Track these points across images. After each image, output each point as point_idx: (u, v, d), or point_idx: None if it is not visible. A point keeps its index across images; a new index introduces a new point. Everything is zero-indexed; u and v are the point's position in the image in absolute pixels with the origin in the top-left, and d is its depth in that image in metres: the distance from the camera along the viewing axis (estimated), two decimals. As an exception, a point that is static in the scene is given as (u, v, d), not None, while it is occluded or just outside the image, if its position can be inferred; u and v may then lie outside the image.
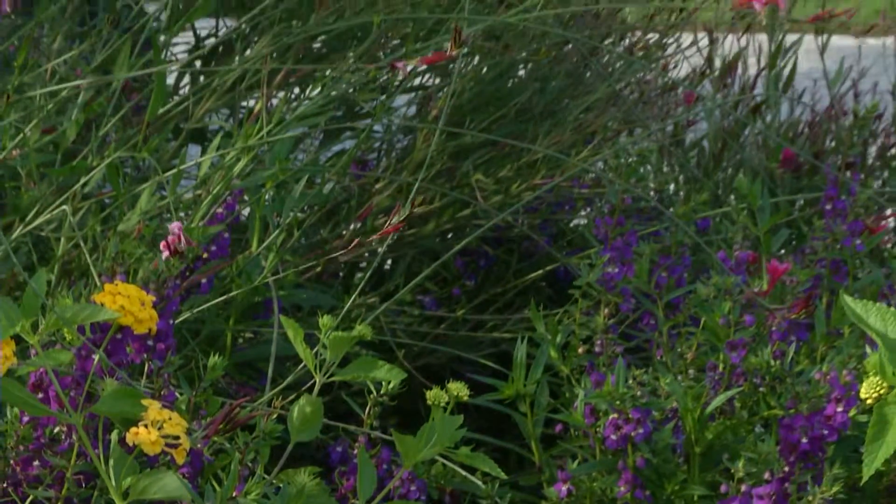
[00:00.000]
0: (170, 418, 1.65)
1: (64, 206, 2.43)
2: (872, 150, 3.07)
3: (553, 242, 2.87)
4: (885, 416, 1.64)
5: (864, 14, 6.17)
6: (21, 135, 2.52)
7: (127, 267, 2.14)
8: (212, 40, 2.89)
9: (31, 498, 1.82)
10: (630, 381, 2.24)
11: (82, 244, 2.32)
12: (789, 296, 2.47)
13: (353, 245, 2.51)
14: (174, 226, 2.21)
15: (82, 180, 2.48)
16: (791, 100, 3.12)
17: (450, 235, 2.83)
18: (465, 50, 2.72)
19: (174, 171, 2.49)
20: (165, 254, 2.18)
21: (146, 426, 1.63)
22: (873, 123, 3.06)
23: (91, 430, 1.75)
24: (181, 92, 2.82)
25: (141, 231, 2.41)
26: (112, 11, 2.68)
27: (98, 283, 2.07)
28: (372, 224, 2.65)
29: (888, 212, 2.82)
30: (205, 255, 2.42)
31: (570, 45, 2.89)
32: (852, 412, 2.24)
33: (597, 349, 2.43)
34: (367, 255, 2.71)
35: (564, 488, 2.33)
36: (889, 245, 2.84)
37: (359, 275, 2.86)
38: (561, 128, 2.77)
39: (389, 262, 2.91)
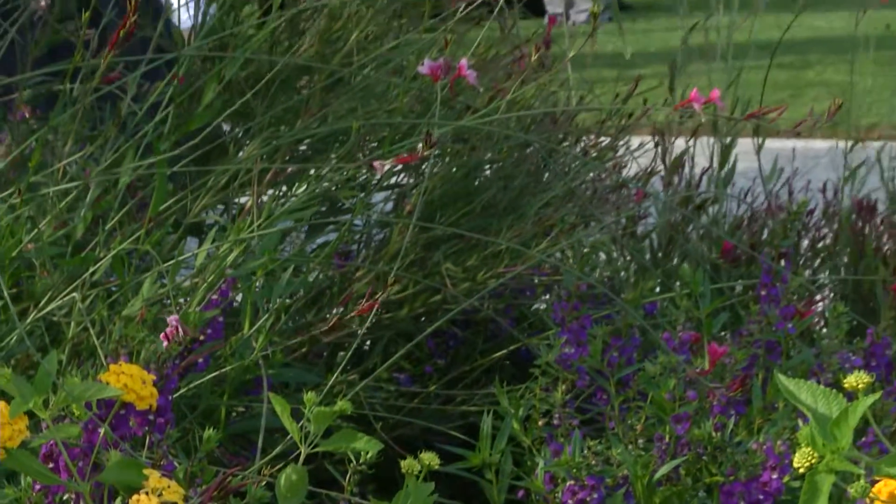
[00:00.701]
0: (168, 486, 1.67)
1: (74, 294, 2.43)
2: (805, 241, 3.08)
3: (516, 325, 2.87)
4: (816, 484, 1.65)
5: (794, 117, 6.16)
6: (36, 229, 2.52)
7: (130, 349, 2.14)
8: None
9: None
10: (585, 451, 2.26)
11: (90, 328, 2.32)
12: (728, 374, 2.48)
13: (335, 327, 2.53)
14: (172, 318, 2.22)
15: (90, 270, 2.49)
16: (731, 196, 3.13)
17: (422, 318, 2.83)
18: (436, 151, 2.73)
19: (173, 261, 2.49)
20: (165, 343, 2.19)
21: (147, 494, 1.64)
22: (805, 218, 3.07)
23: (97, 497, 1.76)
24: (182, 188, 2.82)
25: (143, 316, 2.42)
26: (118, 117, 2.68)
27: (104, 364, 2.07)
28: (352, 309, 2.65)
29: (817, 297, 2.84)
30: (201, 338, 2.42)
31: (530, 147, 2.91)
32: (786, 479, 2.26)
33: (555, 422, 2.45)
34: (347, 336, 2.71)
35: (527, 547, 2.34)
36: (818, 327, 2.85)
37: (340, 354, 2.86)
38: (523, 222, 2.77)
39: (368, 343, 2.91)
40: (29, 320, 2.43)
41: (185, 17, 3.12)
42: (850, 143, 3.18)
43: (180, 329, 2.23)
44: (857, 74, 7.05)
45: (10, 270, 2.53)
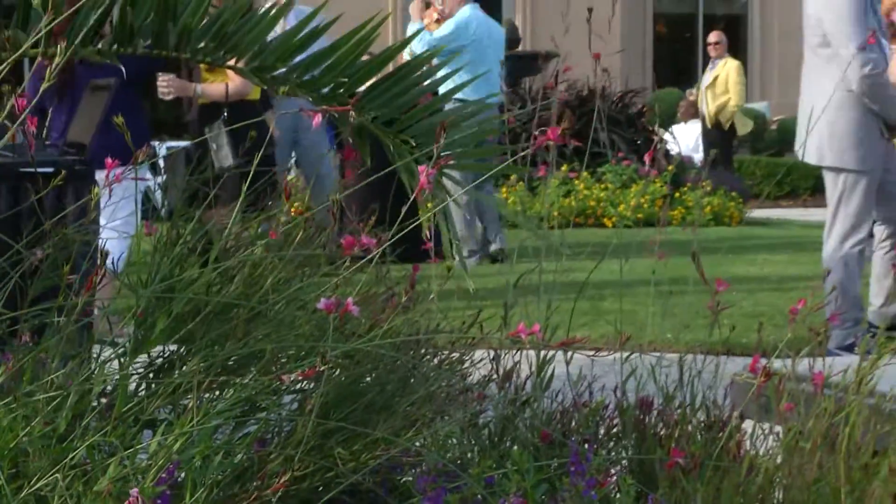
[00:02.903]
0: None
1: (57, 475, 2.41)
2: (602, 429, 3.09)
3: (389, 494, 2.84)
4: None
5: (593, 336, 6.27)
6: (28, 426, 2.51)
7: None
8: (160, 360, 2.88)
9: None
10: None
11: (68, 500, 2.30)
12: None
13: (255, 499, 2.51)
14: (133, 491, 2.20)
15: (70, 456, 2.47)
16: (547, 396, 3.14)
17: (320, 489, 2.80)
18: (330, 365, 2.73)
19: (132, 449, 2.48)
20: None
21: None
22: (602, 411, 3.08)
23: None
24: (140, 393, 2.80)
25: (110, 490, 2.40)
26: (91, 342, 2.69)
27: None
28: (268, 483, 2.63)
29: (612, 472, 2.84)
30: (153, 505, 2.40)
31: (399, 361, 2.91)
32: None
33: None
34: None
35: None
36: (613, 494, 2.84)
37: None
38: (394, 417, 2.77)
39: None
40: (22, 495, 2.41)
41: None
42: (632, 355, 3.20)
43: (139, 499, 2.22)
44: (639, 304, 7.14)
45: (10, 457, 2.51)
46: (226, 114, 7.79)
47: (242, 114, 7.46)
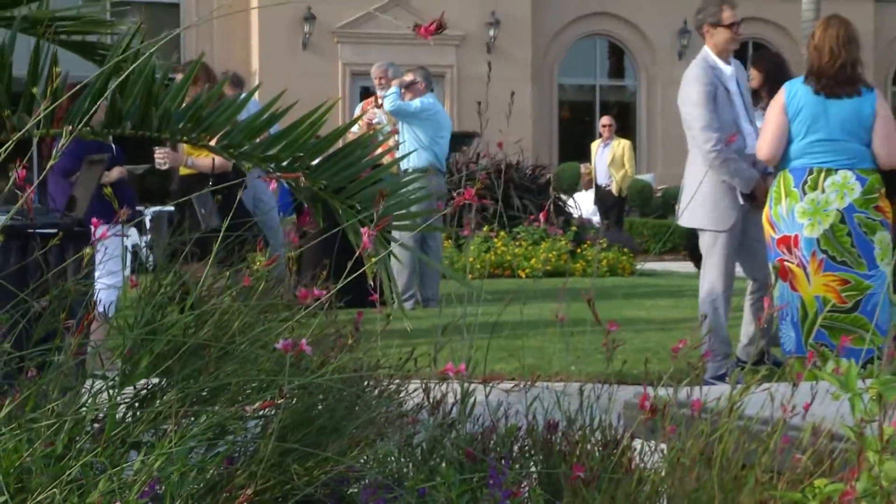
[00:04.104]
0: None
1: (55, 489, 2.38)
2: (516, 447, 3.07)
3: (338, 502, 2.82)
4: None
5: (508, 369, 6.28)
6: (31, 448, 2.47)
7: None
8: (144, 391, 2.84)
9: None
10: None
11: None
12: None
13: (223, 508, 2.48)
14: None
15: (67, 473, 2.43)
16: (471, 420, 3.12)
17: (279, 499, 2.77)
18: (287, 395, 2.71)
19: (119, 467, 2.45)
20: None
21: None
22: (516, 432, 3.07)
23: None
24: (126, 420, 2.76)
25: (100, 502, 2.37)
26: (83, 376, 2.66)
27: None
28: (235, 495, 2.60)
29: (524, 484, 2.82)
30: (137, 516, 2.37)
31: (346, 392, 2.89)
32: None
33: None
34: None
35: None
36: (526, 503, 2.82)
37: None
38: (342, 438, 2.75)
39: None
40: (25, 507, 2.38)
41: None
42: (540, 385, 3.19)
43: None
44: (547, 342, 7.15)
45: (15, 474, 2.47)
46: (210, 182, 7.76)
47: (220, 183, 7.47)
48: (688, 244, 9.61)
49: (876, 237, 5.95)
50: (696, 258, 7.10)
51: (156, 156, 7.69)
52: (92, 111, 3.23)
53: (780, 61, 7.90)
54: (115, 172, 7.15)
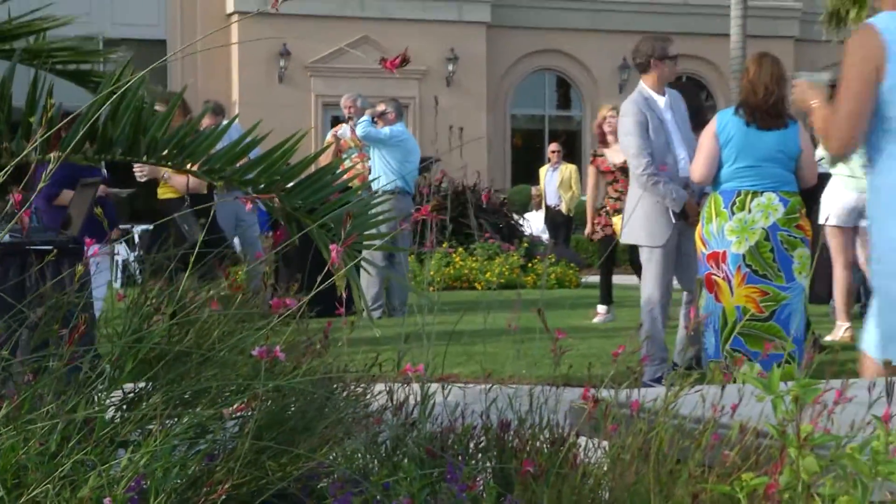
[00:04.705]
0: None
1: (49, 485, 2.36)
2: (472, 444, 3.05)
3: (308, 496, 2.79)
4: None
5: (464, 372, 6.27)
6: (27, 445, 2.45)
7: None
8: (131, 394, 2.82)
9: None
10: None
11: (57, 505, 2.25)
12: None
13: (203, 502, 2.45)
14: (106, 500, 2.15)
15: (59, 469, 2.41)
16: (431, 420, 3.10)
17: (255, 493, 2.75)
18: (262, 398, 2.69)
19: (108, 464, 2.43)
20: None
21: None
22: (472, 431, 3.05)
23: None
24: (115, 421, 2.74)
25: (90, 496, 2.35)
26: (77, 383, 2.63)
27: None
28: (214, 489, 2.57)
29: (479, 478, 2.80)
30: (125, 508, 2.35)
31: (316, 394, 2.87)
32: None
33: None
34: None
35: None
36: (481, 495, 2.80)
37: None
38: (312, 437, 2.73)
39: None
40: (22, 500, 2.35)
41: None
42: (494, 387, 3.18)
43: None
44: (500, 348, 7.14)
45: (12, 471, 2.45)
46: (188, 201, 7.75)
47: (199, 202, 7.48)
48: (630, 259, 9.66)
49: (796, 252, 6.10)
50: (639, 271, 7.13)
51: (134, 169, 7.67)
52: (77, 137, 3.20)
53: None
54: (98, 190, 7.11)
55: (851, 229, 8.55)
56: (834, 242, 8.52)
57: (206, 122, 9.44)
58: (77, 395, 2.56)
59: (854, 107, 3.67)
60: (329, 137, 11.58)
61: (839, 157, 4.44)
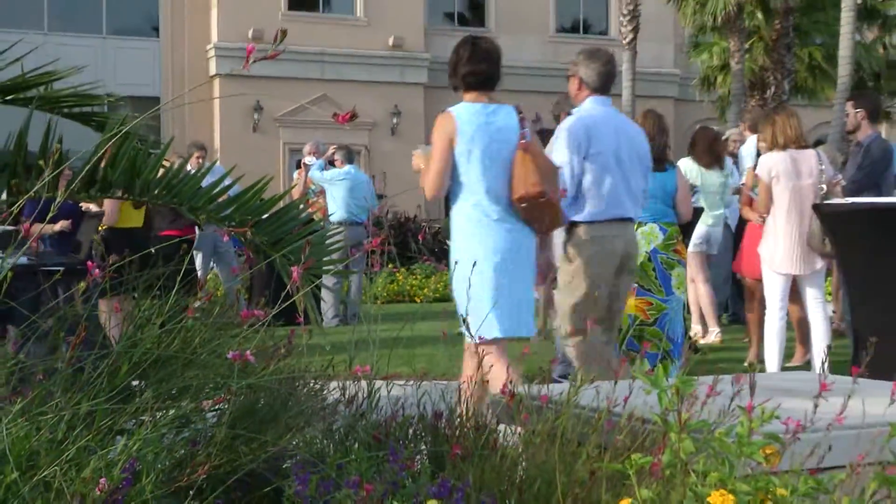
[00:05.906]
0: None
1: (56, 468, 2.31)
2: (410, 432, 3.00)
3: (275, 476, 2.75)
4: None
5: (406, 371, 6.24)
6: (38, 435, 2.40)
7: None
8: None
9: None
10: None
11: (64, 484, 2.20)
12: None
13: (186, 480, 2.42)
14: (102, 481, 2.11)
15: (66, 454, 2.37)
16: (378, 410, 3.07)
17: (230, 473, 2.69)
18: (236, 394, 2.66)
19: (106, 449, 2.39)
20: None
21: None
22: (411, 421, 3.02)
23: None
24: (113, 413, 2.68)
25: (91, 476, 2.31)
26: (80, 383, 2.59)
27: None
28: (196, 469, 2.53)
29: (416, 459, 2.78)
30: (120, 486, 2.31)
31: (282, 390, 2.85)
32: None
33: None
34: (194, 483, 2.58)
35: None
36: (418, 473, 2.78)
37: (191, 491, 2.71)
38: (278, 426, 2.70)
39: (205, 484, 2.76)
40: (34, 480, 2.30)
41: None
42: (429, 384, 3.15)
43: (107, 484, 2.13)
44: (436, 351, 7.11)
45: (25, 456, 2.39)
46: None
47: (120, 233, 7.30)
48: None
49: (674, 272, 6.27)
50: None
51: (82, 205, 7.57)
52: (79, 177, 3.16)
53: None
54: (59, 225, 7.03)
55: (705, 253, 8.85)
56: (692, 264, 8.72)
57: (192, 162, 9.36)
58: (81, 391, 2.52)
59: (440, 166, 4.59)
60: (296, 175, 11.67)
61: (433, 200, 5.05)
